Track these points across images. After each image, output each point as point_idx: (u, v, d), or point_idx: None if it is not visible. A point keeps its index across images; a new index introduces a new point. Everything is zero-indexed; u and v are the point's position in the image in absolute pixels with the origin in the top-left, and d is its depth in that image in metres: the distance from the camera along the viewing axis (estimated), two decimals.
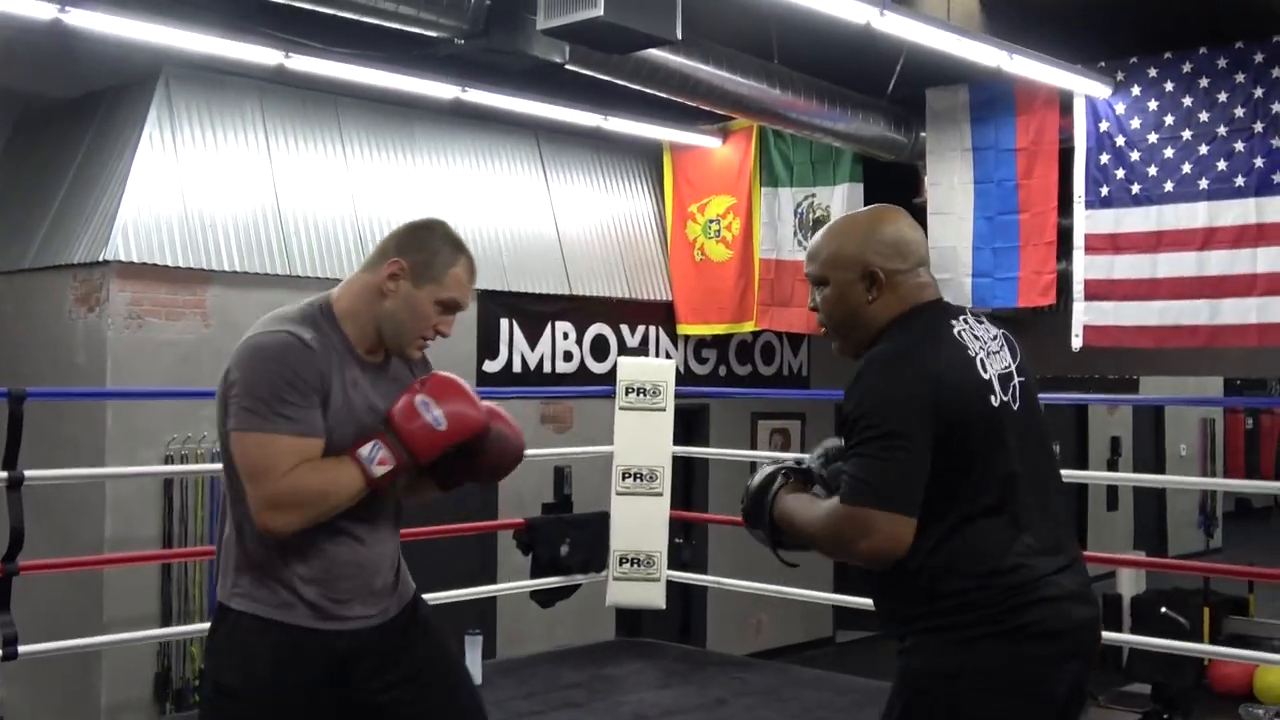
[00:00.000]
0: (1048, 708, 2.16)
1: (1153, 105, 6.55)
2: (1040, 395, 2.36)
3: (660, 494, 5.66)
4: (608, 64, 5.68)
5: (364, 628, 2.36)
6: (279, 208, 6.82)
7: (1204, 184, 6.38)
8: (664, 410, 5.67)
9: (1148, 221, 6.54)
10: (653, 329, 8.76)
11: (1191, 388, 13.78)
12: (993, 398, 2.17)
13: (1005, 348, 2.28)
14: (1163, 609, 8.96)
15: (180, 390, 6.29)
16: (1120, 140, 6.65)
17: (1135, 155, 6.60)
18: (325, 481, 2.24)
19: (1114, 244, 6.64)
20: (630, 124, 7.65)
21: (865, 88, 7.14)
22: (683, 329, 8.83)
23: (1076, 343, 6.72)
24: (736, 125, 8.31)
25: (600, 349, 8.37)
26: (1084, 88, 6.65)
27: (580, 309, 8.27)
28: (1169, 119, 6.50)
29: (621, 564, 5.66)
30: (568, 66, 5.58)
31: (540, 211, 8.18)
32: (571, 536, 5.69)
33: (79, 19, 5.23)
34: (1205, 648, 7.42)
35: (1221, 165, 6.33)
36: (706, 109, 6.74)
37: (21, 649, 4.09)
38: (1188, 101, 6.44)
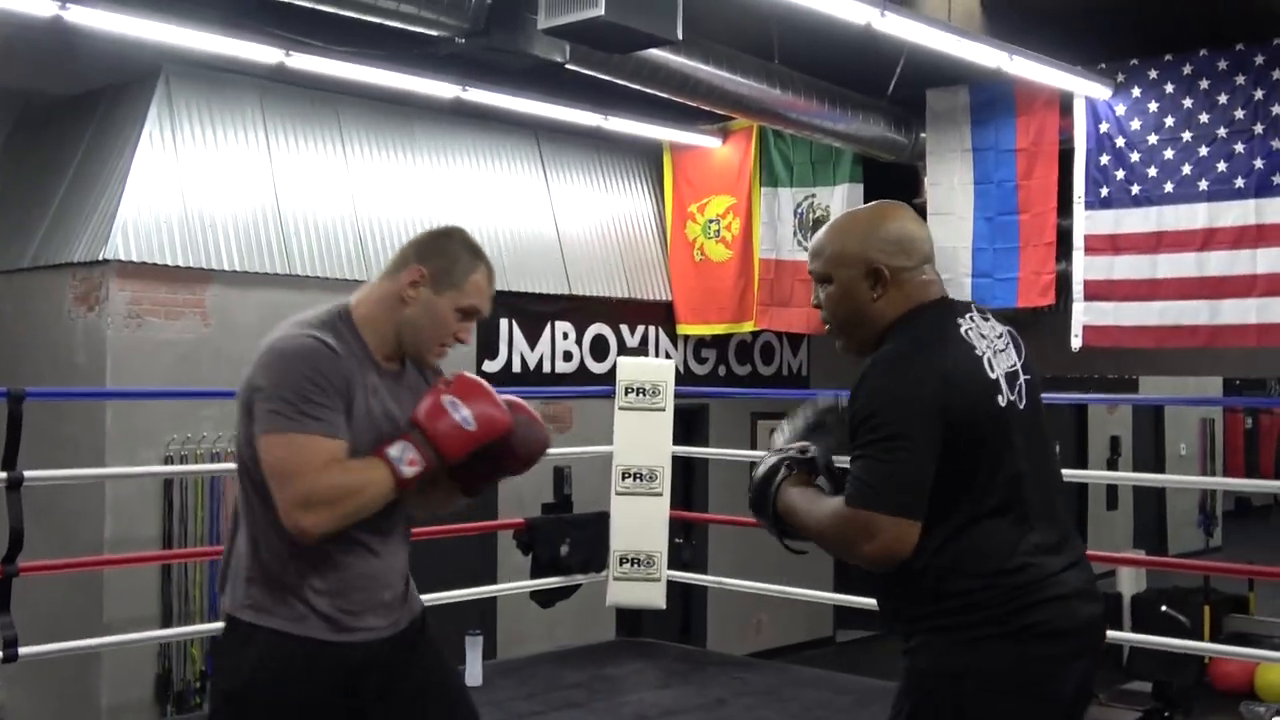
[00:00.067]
0: (1055, 707, 2.16)
1: (1153, 107, 6.55)
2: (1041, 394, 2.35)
3: (660, 494, 5.66)
4: (608, 64, 5.68)
5: (375, 639, 2.36)
6: (279, 207, 6.82)
7: (1204, 185, 6.38)
8: (664, 410, 5.67)
9: (1147, 222, 6.54)
10: (652, 329, 8.76)
11: (1191, 387, 13.78)
12: (1000, 397, 2.16)
13: (1011, 345, 2.26)
14: (1163, 607, 8.98)
15: (180, 390, 6.29)
16: (1120, 141, 6.65)
17: (1135, 156, 6.60)
18: (356, 480, 2.23)
19: (1114, 245, 6.65)
20: (630, 124, 7.65)
21: (865, 88, 7.14)
22: (682, 329, 8.83)
23: (1076, 343, 6.73)
24: (736, 125, 8.31)
25: (600, 349, 8.37)
26: (1084, 89, 6.65)
27: (580, 309, 8.27)
28: (1169, 120, 6.50)
29: (621, 564, 5.66)
30: (568, 66, 5.58)
31: (540, 211, 8.17)
32: (571, 536, 5.69)
33: (79, 16, 5.22)
34: (1206, 646, 7.42)
35: (1221, 167, 6.33)
36: (707, 109, 6.74)
37: (21, 650, 4.09)
38: (1188, 103, 6.44)
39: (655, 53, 5.70)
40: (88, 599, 6.04)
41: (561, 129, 7.98)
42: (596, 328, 8.39)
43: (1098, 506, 13.49)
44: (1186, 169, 6.44)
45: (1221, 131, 6.33)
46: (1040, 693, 2.13)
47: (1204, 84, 6.39)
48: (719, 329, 8.73)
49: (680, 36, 4.84)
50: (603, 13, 4.45)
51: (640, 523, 5.64)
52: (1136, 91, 6.60)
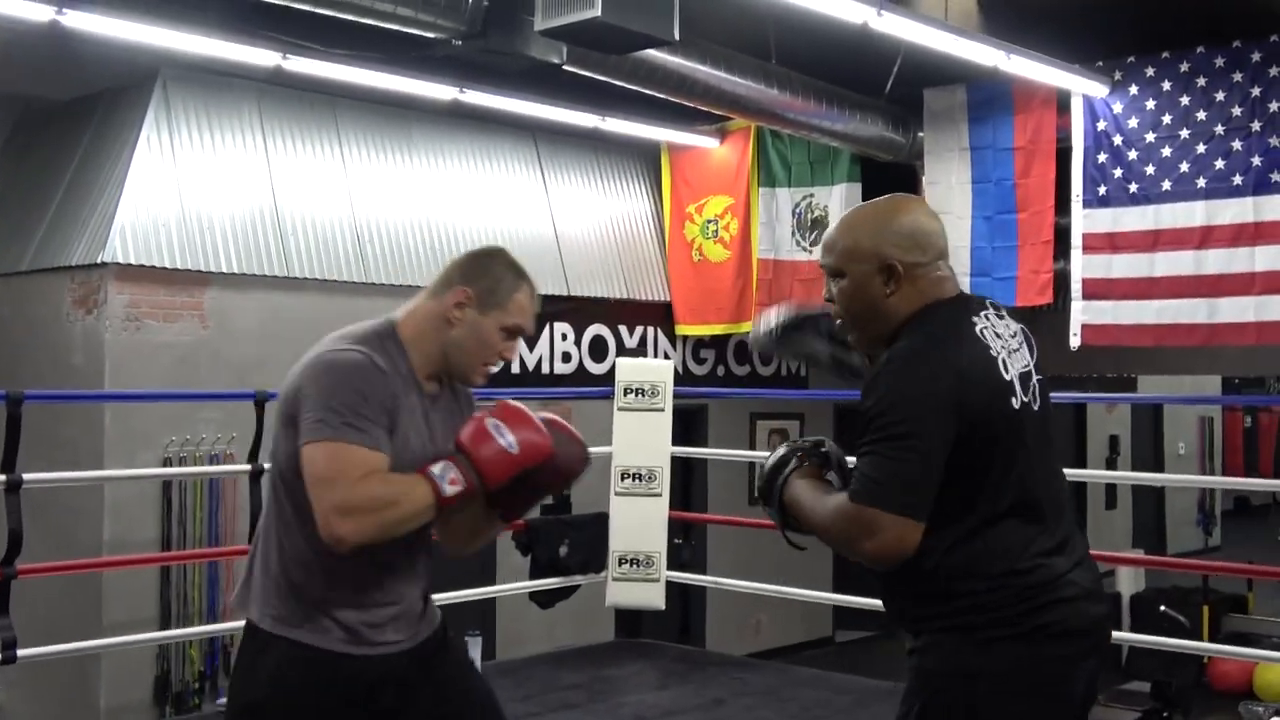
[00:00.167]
0: (1066, 707, 2.15)
1: (1150, 104, 6.56)
2: None
3: (659, 494, 5.66)
4: (605, 64, 5.68)
5: (396, 652, 2.37)
6: (277, 209, 6.82)
7: (1201, 183, 6.38)
8: (662, 411, 5.67)
9: (1145, 220, 6.55)
10: (651, 329, 8.76)
11: (1189, 386, 13.78)
12: (1014, 399, 2.13)
13: (1024, 345, 2.23)
14: (1162, 607, 8.97)
15: (178, 393, 6.29)
16: (1118, 139, 6.65)
17: (1133, 154, 6.60)
18: (396, 492, 2.23)
19: (1112, 243, 6.65)
20: (628, 124, 7.65)
21: (863, 88, 7.14)
22: (681, 329, 8.83)
23: (1075, 342, 6.73)
24: (734, 125, 8.31)
25: (598, 350, 8.37)
26: (1081, 87, 6.65)
27: (578, 310, 8.28)
28: (1166, 118, 6.50)
29: (620, 565, 5.66)
30: (565, 67, 5.58)
31: (538, 212, 8.18)
32: (570, 537, 5.69)
33: (77, 20, 5.22)
34: (1205, 645, 7.42)
35: (1219, 164, 6.33)
36: (704, 109, 6.74)
37: (20, 652, 4.08)
38: (1185, 100, 6.44)
39: (652, 53, 5.70)
40: (86, 601, 6.04)
41: (559, 130, 7.98)
42: (595, 328, 8.39)
43: (1096, 506, 13.49)
44: (1184, 167, 6.44)
45: (1219, 129, 6.33)
46: (1053, 693, 2.12)
47: (1201, 81, 6.39)
48: (717, 329, 8.73)
49: (677, 37, 4.84)
50: (599, 14, 4.45)
51: (639, 523, 5.64)
52: (1134, 89, 6.61)
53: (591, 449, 2.52)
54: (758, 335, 2.59)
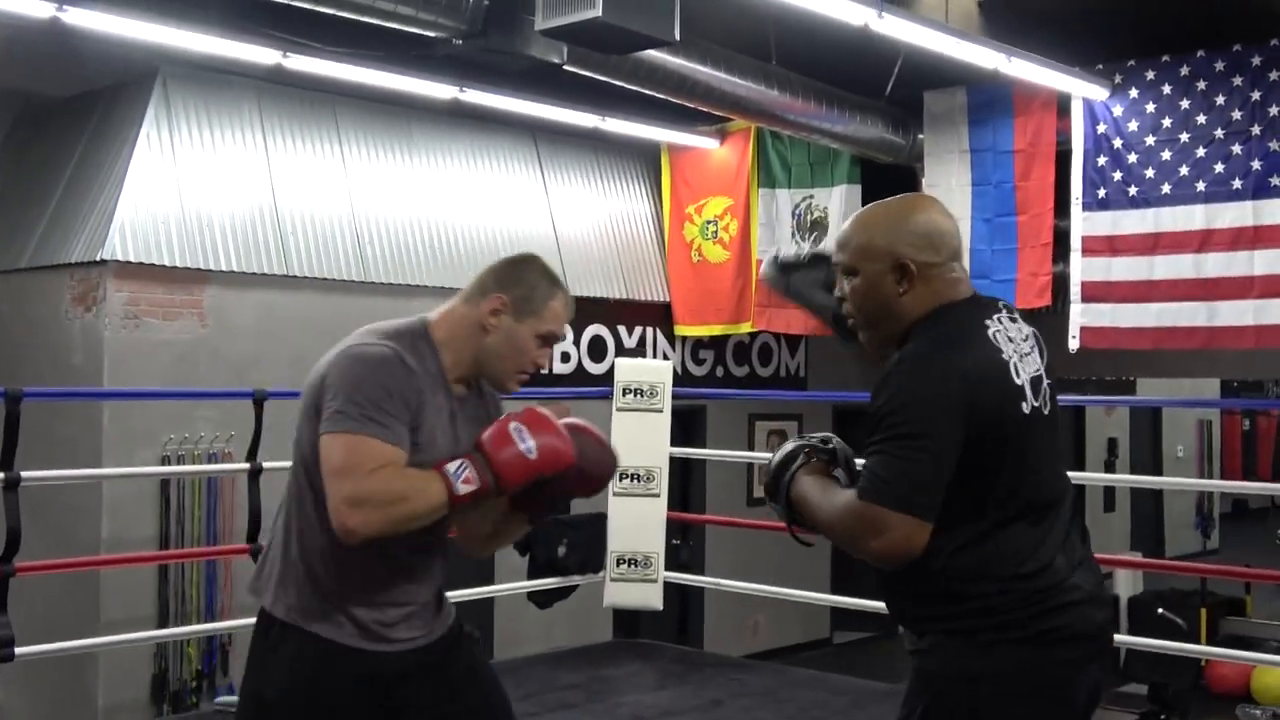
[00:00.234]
0: (1068, 712, 2.14)
1: (1150, 108, 6.56)
2: None
3: (657, 495, 5.66)
4: (606, 65, 5.68)
5: (409, 649, 2.37)
6: (276, 207, 6.82)
7: (1201, 186, 6.39)
8: (661, 411, 5.68)
9: (1145, 224, 6.55)
10: (650, 330, 8.76)
11: (1188, 389, 13.79)
12: (1025, 404, 2.12)
13: (1035, 349, 2.23)
14: (1160, 610, 8.97)
15: (177, 390, 6.29)
16: (1118, 142, 6.65)
17: (1132, 157, 6.61)
18: (408, 486, 2.22)
19: (1111, 246, 6.65)
20: (628, 125, 7.65)
21: (863, 89, 7.14)
22: (680, 330, 8.83)
23: (1074, 344, 6.73)
24: (734, 126, 8.31)
25: (597, 350, 8.37)
26: (1082, 90, 6.65)
27: (578, 310, 8.21)
28: (1166, 121, 6.51)
29: (619, 565, 5.66)
30: (566, 67, 5.58)
31: (538, 212, 8.17)
32: (569, 538, 5.70)
33: (77, 18, 5.22)
34: (1202, 648, 7.43)
35: (1219, 168, 6.34)
36: (704, 110, 6.74)
37: (18, 650, 4.08)
38: (1185, 104, 6.44)
39: (653, 54, 5.70)
40: (84, 599, 6.04)
41: (559, 130, 7.98)
42: (594, 329, 8.39)
43: (1095, 508, 13.50)
44: (1184, 170, 6.44)
45: (1219, 133, 6.33)
46: (1056, 696, 2.12)
47: (1201, 85, 6.39)
48: (716, 330, 8.73)
49: (678, 37, 4.84)
50: (600, 14, 4.45)
51: (637, 524, 5.64)
52: (1134, 92, 6.61)
53: None
54: (770, 264, 2.57)
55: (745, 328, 8.57)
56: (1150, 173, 6.54)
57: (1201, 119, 6.39)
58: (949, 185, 7.25)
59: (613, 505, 5.68)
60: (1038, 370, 2.19)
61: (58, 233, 6.53)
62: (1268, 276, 6.18)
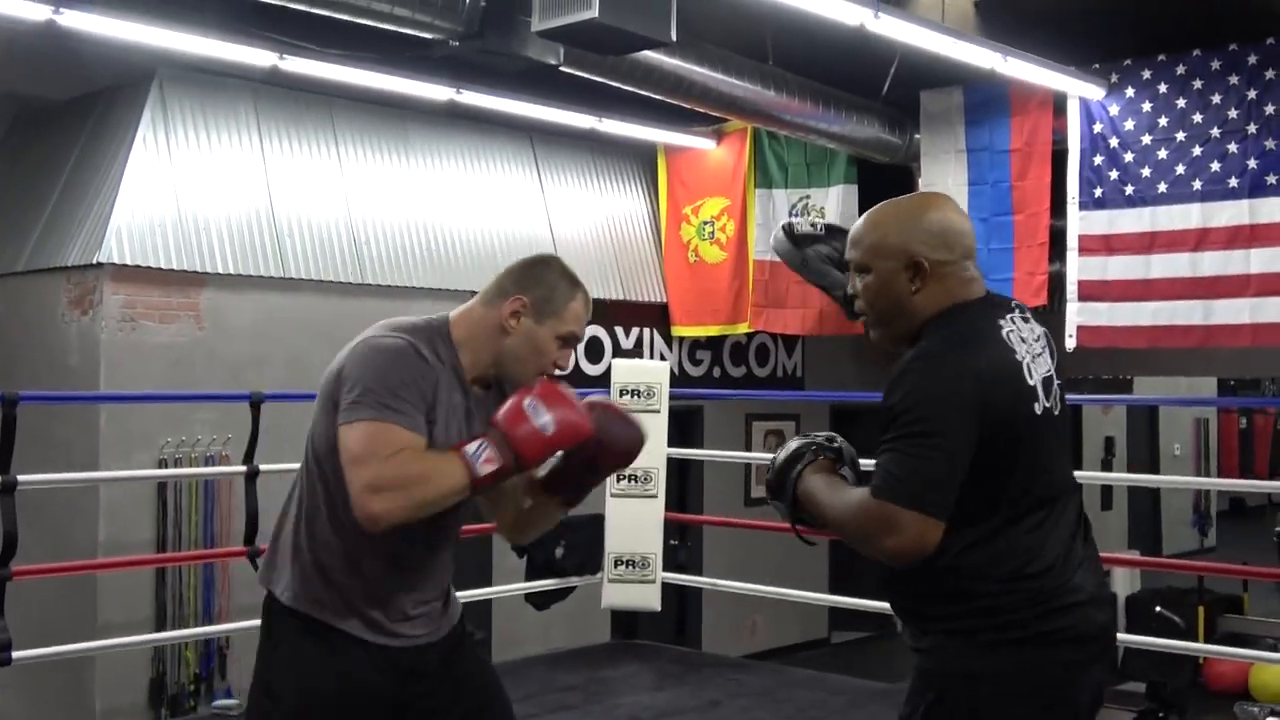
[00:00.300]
0: (1069, 713, 2.14)
1: (1146, 107, 6.57)
2: None
3: (655, 496, 5.66)
4: (602, 66, 5.68)
5: (414, 645, 2.38)
6: (273, 210, 6.81)
7: (1197, 185, 6.39)
8: (658, 412, 5.67)
9: (1141, 222, 6.56)
10: (647, 331, 8.76)
11: (1185, 388, 13.80)
12: (1037, 405, 2.12)
13: (1046, 349, 2.23)
14: (1158, 608, 8.98)
15: (174, 394, 6.28)
16: (1114, 142, 6.66)
17: (1129, 157, 6.61)
18: (429, 468, 2.21)
19: (1108, 245, 6.66)
20: (625, 126, 7.65)
21: (860, 89, 7.15)
22: (677, 330, 8.83)
23: (1070, 343, 6.73)
24: (731, 127, 8.31)
25: (595, 351, 8.36)
26: (1078, 89, 6.66)
27: None
28: (1163, 120, 6.51)
29: (616, 566, 5.66)
30: (562, 68, 5.58)
31: (534, 213, 8.17)
32: (566, 539, 5.69)
33: (73, 20, 5.22)
34: (1200, 646, 7.44)
35: (1215, 167, 6.34)
36: (701, 111, 6.74)
37: (15, 654, 4.08)
38: (1181, 103, 6.45)
39: (649, 54, 5.70)
40: (81, 602, 6.03)
41: (556, 131, 7.98)
42: (591, 329, 8.37)
43: (1092, 507, 13.16)
44: (1180, 169, 6.45)
45: (1215, 131, 6.34)
46: (1057, 697, 2.11)
47: (1197, 84, 6.40)
48: (714, 330, 8.73)
49: (674, 38, 4.84)
50: (596, 15, 4.45)
51: (635, 525, 5.64)
52: (1130, 92, 6.62)
53: None
54: (783, 234, 2.55)
55: (742, 328, 8.57)
56: (1146, 172, 6.55)
57: (1198, 118, 6.40)
58: (945, 185, 7.26)
59: (610, 506, 5.68)
60: (1049, 371, 2.20)
61: (54, 236, 6.53)
62: (1264, 275, 6.19)
